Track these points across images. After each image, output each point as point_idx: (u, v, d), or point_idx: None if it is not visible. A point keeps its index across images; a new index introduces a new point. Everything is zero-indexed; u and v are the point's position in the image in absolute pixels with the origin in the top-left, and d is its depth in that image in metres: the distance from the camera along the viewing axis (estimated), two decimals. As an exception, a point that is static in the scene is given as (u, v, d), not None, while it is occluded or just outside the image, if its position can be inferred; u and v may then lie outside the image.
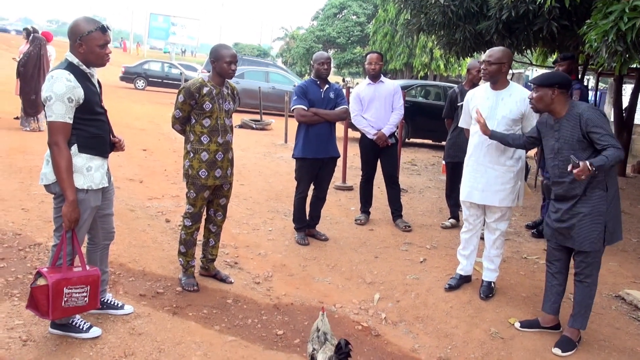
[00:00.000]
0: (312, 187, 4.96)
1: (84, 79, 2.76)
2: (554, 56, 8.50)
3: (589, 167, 2.91)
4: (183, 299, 3.55)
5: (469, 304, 3.85)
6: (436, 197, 7.09)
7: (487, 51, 3.83)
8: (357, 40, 39.14)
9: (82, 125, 2.76)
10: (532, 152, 8.04)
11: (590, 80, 16.99)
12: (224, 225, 3.93)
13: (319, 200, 5.00)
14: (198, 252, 3.91)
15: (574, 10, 5.55)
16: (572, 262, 3.38)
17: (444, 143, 6.41)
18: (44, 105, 2.68)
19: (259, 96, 13.68)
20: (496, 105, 3.78)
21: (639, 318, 3.85)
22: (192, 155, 3.55)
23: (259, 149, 9.99)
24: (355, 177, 7.27)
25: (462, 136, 4.76)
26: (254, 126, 12.93)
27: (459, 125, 4.43)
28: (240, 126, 12.64)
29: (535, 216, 6.18)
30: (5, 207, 4.80)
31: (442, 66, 24.05)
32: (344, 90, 5.35)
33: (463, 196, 3.98)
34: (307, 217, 4.99)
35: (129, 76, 21.71)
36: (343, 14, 41.40)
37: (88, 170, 2.80)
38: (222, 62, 3.50)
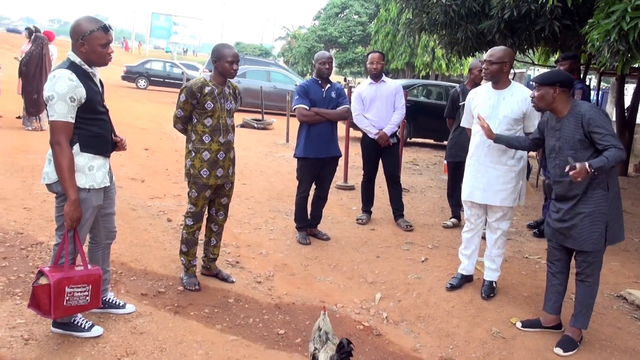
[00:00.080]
0: (313, 186, 4.97)
1: (86, 78, 2.76)
2: (556, 56, 8.48)
3: (587, 168, 2.91)
4: (184, 298, 3.55)
5: (471, 303, 3.84)
6: (438, 197, 7.09)
7: (489, 51, 3.83)
8: (359, 39, 39.12)
9: (84, 125, 2.76)
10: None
11: (592, 80, 16.97)
12: (225, 224, 3.93)
13: (321, 199, 5.00)
14: (199, 251, 3.91)
15: (576, 9, 5.54)
16: (573, 261, 3.37)
17: (445, 143, 6.41)
18: (46, 105, 2.68)
19: (261, 96, 13.68)
20: (497, 105, 3.77)
21: (641, 318, 3.85)
22: (193, 154, 3.56)
23: (261, 148, 9.99)
24: (356, 176, 7.27)
25: (464, 136, 4.76)
26: (256, 125, 12.94)
27: (461, 124, 4.43)
28: (242, 125, 12.64)
29: (537, 216, 6.17)
30: (8, 206, 4.81)
31: (443, 66, 24.06)
32: (346, 90, 5.35)
33: (464, 196, 3.98)
34: (309, 217, 4.99)
35: (130, 75, 21.76)
36: (345, 14, 41.39)
37: (90, 170, 2.80)
38: (224, 62, 3.50)
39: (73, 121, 2.70)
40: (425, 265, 4.54)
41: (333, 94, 4.77)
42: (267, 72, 17.48)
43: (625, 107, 10.24)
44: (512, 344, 3.34)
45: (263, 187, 6.79)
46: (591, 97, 6.87)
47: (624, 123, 9.94)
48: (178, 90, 4.02)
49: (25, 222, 4.49)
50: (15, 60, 9.36)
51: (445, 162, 5.90)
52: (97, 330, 2.96)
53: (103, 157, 2.90)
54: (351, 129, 7.57)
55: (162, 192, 6.03)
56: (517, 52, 7.49)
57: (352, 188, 7.11)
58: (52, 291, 2.65)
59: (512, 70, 4.11)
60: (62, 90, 2.63)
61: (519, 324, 3.54)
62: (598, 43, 4.27)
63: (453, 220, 5.74)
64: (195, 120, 3.53)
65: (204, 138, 3.53)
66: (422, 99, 12.60)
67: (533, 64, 10.54)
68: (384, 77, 5.43)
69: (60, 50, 9.32)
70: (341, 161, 5.51)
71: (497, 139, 3.61)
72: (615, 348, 3.37)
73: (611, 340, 3.46)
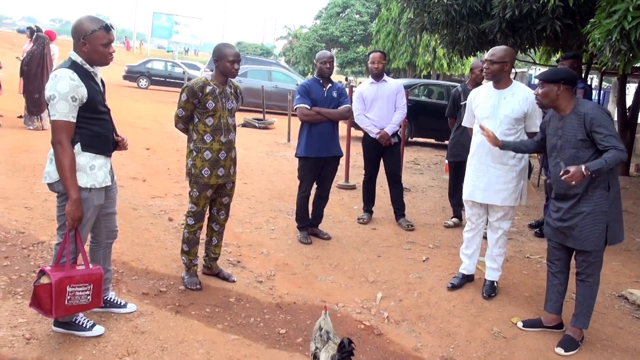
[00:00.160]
0: (314, 186, 4.97)
1: (87, 77, 2.76)
2: (558, 55, 8.48)
3: (584, 171, 2.92)
4: (186, 297, 3.55)
5: (472, 303, 3.84)
6: (439, 196, 7.08)
7: (490, 50, 3.83)
8: (360, 39, 39.11)
9: (85, 124, 2.76)
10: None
11: (593, 80, 16.95)
12: (226, 224, 3.93)
13: (322, 199, 5.00)
14: (201, 250, 3.91)
15: (577, 9, 5.54)
16: (573, 261, 3.37)
17: (446, 142, 6.40)
18: (48, 104, 2.69)
19: (262, 95, 13.69)
20: (499, 105, 3.77)
21: (642, 318, 3.85)
22: (195, 154, 3.56)
23: (262, 147, 9.99)
24: (358, 176, 7.27)
25: (465, 135, 4.76)
26: (257, 125, 12.94)
27: (462, 124, 4.42)
28: (243, 125, 12.65)
29: (539, 215, 6.17)
30: (9, 206, 4.82)
31: (445, 65, 24.03)
32: (347, 89, 5.35)
33: (465, 195, 3.98)
34: (310, 216, 4.99)
35: (132, 75, 21.77)
36: (346, 13, 41.38)
37: (91, 169, 2.81)
38: (225, 61, 3.50)
39: (74, 121, 2.70)
40: (427, 265, 4.54)
41: (334, 94, 4.77)
42: (269, 71, 17.48)
43: (627, 107, 10.23)
44: (513, 344, 3.34)
45: (264, 187, 6.79)
46: (593, 97, 6.85)
47: (626, 123, 9.93)
48: (179, 89, 4.02)
49: (26, 222, 4.50)
50: (17, 60, 9.38)
51: (446, 161, 5.90)
52: (98, 330, 2.97)
53: (104, 157, 2.90)
54: (352, 129, 7.58)
55: (164, 191, 6.03)
56: (519, 52, 7.47)
57: (353, 187, 7.11)
58: (53, 290, 2.65)
59: (513, 70, 4.10)
60: (63, 90, 2.63)
61: (520, 324, 3.54)
62: (599, 42, 4.27)
63: (454, 219, 5.74)
64: (197, 119, 3.53)
65: (205, 137, 3.53)
66: (423, 98, 12.59)
67: (534, 63, 10.52)
68: (385, 77, 5.42)
69: (61, 50, 9.34)
70: (342, 161, 5.51)
71: (504, 145, 3.59)
72: (617, 348, 3.36)
73: (612, 340, 3.46)
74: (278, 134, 12.07)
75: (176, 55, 40.01)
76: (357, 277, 4.24)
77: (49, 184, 2.82)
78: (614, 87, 14.66)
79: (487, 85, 3.95)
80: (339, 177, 6.76)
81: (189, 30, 45.19)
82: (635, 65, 5.99)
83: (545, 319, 3.50)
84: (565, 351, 3.23)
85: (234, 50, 3.55)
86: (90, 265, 2.88)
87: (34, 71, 8.68)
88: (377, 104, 5.36)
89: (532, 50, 8.17)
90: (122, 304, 3.26)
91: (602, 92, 16.42)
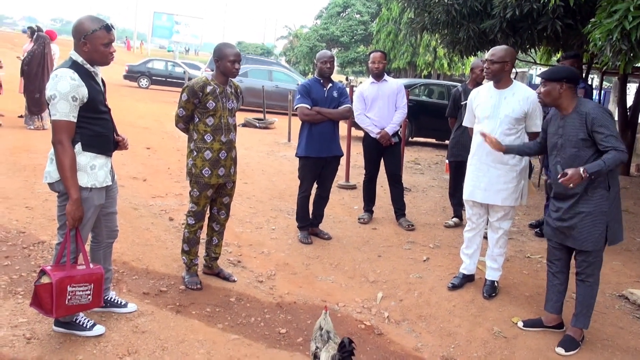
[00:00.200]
0: (315, 185, 4.97)
1: (88, 77, 2.76)
2: (558, 55, 8.47)
3: (582, 174, 2.92)
4: (186, 297, 3.56)
5: (472, 303, 3.84)
6: (439, 196, 7.08)
7: (490, 50, 3.83)
8: (361, 39, 39.11)
9: (86, 124, 2.76)
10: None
11: (594, 80, 16.94)
12: (227, 223, 3.93)
13: (322, 199, 5.00)
14: (201, 250, 3.91)
15: (578, 9, 5.54)
16: (573, 261, 3.37)
17: (447, 142, 6.40)
18: (48, 104, 2.69)
19: (263, 95, 13.69)
20: (499, 104, 3.77)
21: (643, 318, 3.85)
22: (195, 153, 3.56)
23: (263, 147, 9.99)
24: (358, 176, 7.27)
25: (466, 135, 4.76)
26: (258, 125, 12.94)
27: (463, 124, 4.42)
28: (244, 125, 12.65)
29: (539, 215, 6.17)
30: (10, 205, 4.82)
31: (445, 65, 24.04)
32: (348, 89, 5.36)
33: (466, 195, 3.98)
34: (311, 216, 4.99)
35: (132, 75, 21.78)
36: (347, 13, 41.37)
37: (92, 169, 2.81)
38: (226, 61, 3.50)
39: (75, 120, 2.70)
40: (427, 265, 4.54)
41: (335, 93, 4.77)
42: (269, 71, 17.49)
43: (628, 107, 10.22)
44: (513, 344, 3.34)
45: (265, 187, 6.79)
46: (593, 97, 6.85)
47: (626, 122, 9.93)
48: (180, 89, 4.02)
49: (27, 221, 4.50)
50: (18, 59, 9.38)
51: (447, 161, 5.90)
52: (99, 329, 2.97)
53: (105, 156, 2.90)
54: (353, 128, 7.57)
55: (164, 191, 6.03)
56: (519, 52, 7.47)
57: (353, 187, 7.11)
58: (54, 290, 2.65)
59: (513, 70, 4.10)
60: (64, 90, 2.64)
61: (520, 324, 3.54)
62: (600, 42, 4.27)
63: (455, 219, 5.74)
64: (197, 119, 3.53)
65: (205, 137, 3.53)
66: (423, 98, 12.59)
67: (535, 63, 10.52)
68: (385, 77, 5.42)
69: (62, 50, 9.35)
70: (343, 160, 5.51)
71: (508, 150, 3.58)
72: (617, 348, 3.36)
73: (613, 339, 3.46)
74: (278, 133, 12.08)
75: (177, 55, 40.01)
76: (357, 276, 4.24)
77: (49, 184, 2.82)
78: (615, 87, 14.65)
79: (488, 85, 3.95)
80: (340, 177, 6.76)
81: (190, 30, 45.20)
82: (636, 65, 5.98)
83: (545, 318, 3.50)
84: (565, 351, 3.23)
85: (234, 50, 3.55)
86: (91, 265, 2.88)
87: (35, 71, 8.68)
88: (378, 104, 5.36)
89: (532, 50, 8.17)
90: (122, 304, 3.26)
91: (602, 92, 16.40)
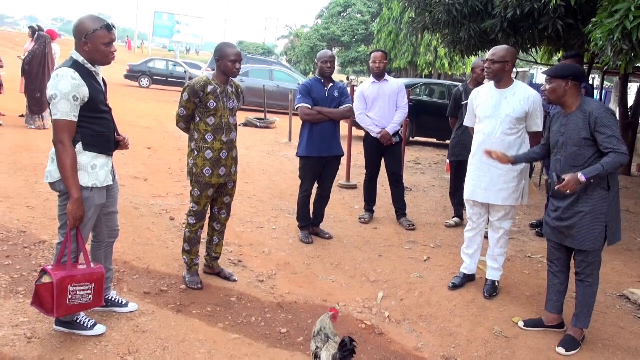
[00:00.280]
0: (315, 185, 4.97)
1: (88, 77, 2.77)
2: (559, 54, 8.47)
3: (579, 178, 2.92)
4: (187, 296, 3.56)
5: (473, 302, 3.84)
6: (440, 196, 7.08)
7: (491, 49, 3.82)
8: (362, 38, 39.14)
9: (86, 123, 2.76)
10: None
11: (595, 79, 16.93)
12: (227, 223, 3.93)
13: (323, 198, 5.00)
14: (202, 250, 3.92)
15: (579, 8, 5.54)
16: (573, 261, 3.37)
17: (448, 141, 6.40)
18: (49, 103, 2.69)
19: (263, 94, 13.69)
20: (499, 104, 3.77)
21: (643, 317, 3.84)
22: (196, 153, 3.56)
23: (263, 147, 9.99)
24: (359, 175, 7.27)
25: (466, 135, 4.76)
26: (258, 124, 12.94)
27: (464, 123, 4.42)
28: (245, 124, 12.65)
29: (540, 215, 6.16)
30: (10, 205, 4.83)
31: (446, 64, 24.04)
32: (348, 89, 5.36)
33: (466, 195, 3.97)
34: (311, 215, 4.99)
35: (133, 74, 21.78)
36: (347, 12, 41.41)
37: (92, 168, 2.81)
38: (227, 61, 3.50)
39: (76, 120, 2.70)
40: (428, 264, 4.54)
41: (335, 93, 4.77)
42: (270, 70, 17.49)
43: (629, 106, 10.22)
44: (514, 343, 3.34)
45: (265, 186, 6.80)
46: (594, 97, 6.85)
47: (627, 122, 9.92)
48: (180, 88, 4.02)
49: (28, 221, 4.51)
50: (18, 59, 9.39)
51: (447, 161, 5.90)
52: (99, 329, 2.97)
53: (106, 156, 2.90)
54: (353, 128, 7.57)
55: (165, 190, 6.04)
56: (520, 51, 7.48)
57: (354, 187, 7.11)
58: (54, 289, 2.65)
59: (514, 69, 4.10)
60: (65, 89, 2.64)
61: (521, 323, 3.54)
62: (601, 42, 4.26)
63: (455, 219, 5.74)
64: (198, 118, 3.54)
65: (206, 137, 3.53)
66: (424, 97, 12.59)
67: (536, 62, 10.52)
68: (386, 76, 5.42)
69: (63, 49, 9.35)
70: (343, 160, 5.51)
71: (515, 160, 3.56)
72: (618, 347, 3.36)
73: (613, 339, 3.46)
74: (279, 133, 12.08)
75: (177, 55, 40.02)
76: (358, 276, 4.24)
77: (50, 183, 2.82)
78: (616, 86, 14.64)
79: (488, 84, 3.95)
80: (340, 177, 6.76)
81: (190, 29, 45.22)
82: (637, 64, 5.98)
83: (546, 318, 3.50)
84: (566, 350, 3.23)
85: (235, 50, 3.55)
86: (92, 264, 2.88)
87: (36, 70, 8.69)
88: (378, 103, 5.36)
89: (533, 50, 8.16)
90: (123, 303, 3.26)
91: (603, 91, 16.39)
